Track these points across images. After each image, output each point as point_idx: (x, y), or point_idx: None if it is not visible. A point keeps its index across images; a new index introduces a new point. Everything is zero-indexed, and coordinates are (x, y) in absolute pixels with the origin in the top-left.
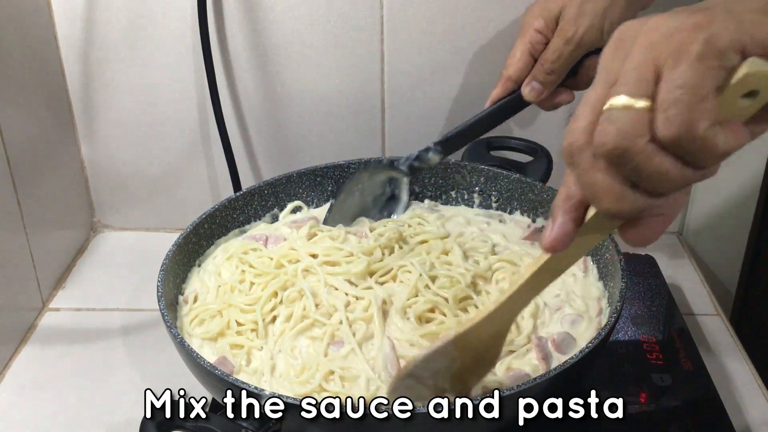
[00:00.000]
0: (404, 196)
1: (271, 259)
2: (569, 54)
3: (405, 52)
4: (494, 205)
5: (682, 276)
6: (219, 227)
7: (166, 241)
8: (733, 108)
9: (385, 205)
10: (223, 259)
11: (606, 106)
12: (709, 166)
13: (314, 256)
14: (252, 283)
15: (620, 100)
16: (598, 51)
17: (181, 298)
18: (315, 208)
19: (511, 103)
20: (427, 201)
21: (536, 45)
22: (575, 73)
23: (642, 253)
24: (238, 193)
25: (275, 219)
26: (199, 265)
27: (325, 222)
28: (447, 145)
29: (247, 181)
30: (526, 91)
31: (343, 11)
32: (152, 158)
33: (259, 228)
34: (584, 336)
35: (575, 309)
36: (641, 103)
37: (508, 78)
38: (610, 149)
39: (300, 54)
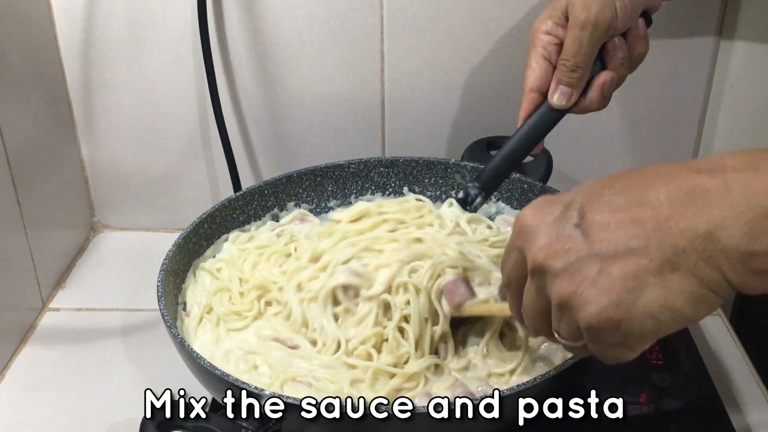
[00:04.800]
0: None
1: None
2: (588, 40)
3: (405, 52)
4: (494, 205)
5: None
6: (219, 227)
7: (166, 241)
8: None
9: None
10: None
11: (556, 335)
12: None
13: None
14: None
15: (562, 339)
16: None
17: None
18: (315, 208)
19: (544, 118)
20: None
21: (549, 47)
22: (602, 66)
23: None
24: (238, 193)
25: (276, 219)
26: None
27: None
28: (486, 181)
29: (247, 181)
30: (555, 98)
31: (343, 11)
32: (152, 158)
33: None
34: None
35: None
36: (577, 343)
37: (531, 89)
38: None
39: (300, 54)
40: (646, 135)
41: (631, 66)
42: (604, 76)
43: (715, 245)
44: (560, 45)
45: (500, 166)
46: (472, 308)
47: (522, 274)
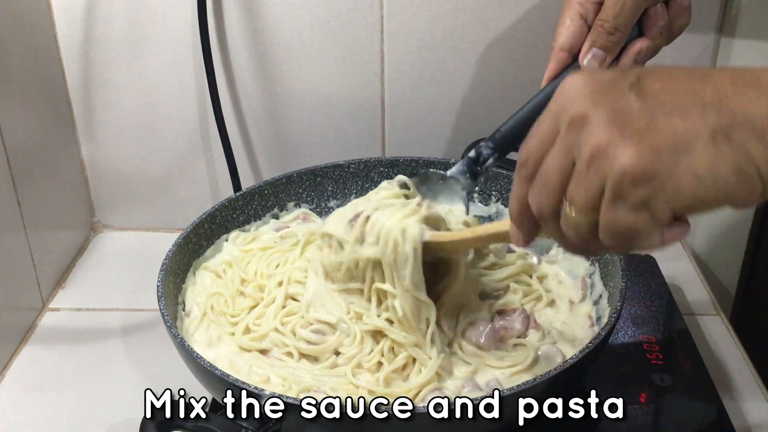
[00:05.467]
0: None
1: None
2: (632, 3)
3: (405, 52)
4: (494, 204)
5: (682, 276)
6: (219, 227)
7: (166, 241)
8: None
9: None
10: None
11: (566, 208)
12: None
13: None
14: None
15: (572, 212)
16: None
17: (183, 313)
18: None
19: None
20: None
21: (586, 5)
22: (639, 33)
23: (642, 252)
24: (238, 193)
25: (276, 219)
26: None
27: None
28: (500, 142)
29: (247, 181)
30: (586, 61)
31: (343, 11)
32: (152, 158)
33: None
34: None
35: (561, 337)
36: (588, 217)
37: (561, 48)
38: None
39: (300, 54)
40: None
41: (670, 37)
42: (640, 44)
43: None
44: (599, 4)
45: (518, 126)
46: (442, 235)
47: (546, 147)
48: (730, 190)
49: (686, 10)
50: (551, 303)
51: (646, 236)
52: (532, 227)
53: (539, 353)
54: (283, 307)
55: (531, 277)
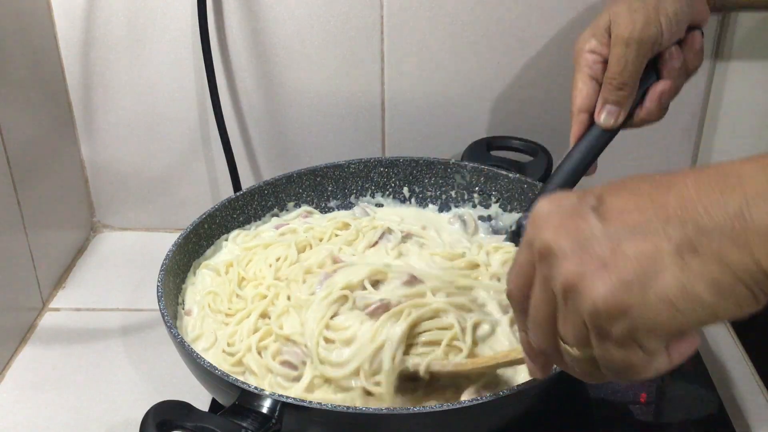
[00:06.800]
0: None
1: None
2: (634, 58)
3: (405, 52)
4: (494, 205)
5: None
6: (219, 227)
7: (166, 241)
8: None
9: None
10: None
11: (562, 344)
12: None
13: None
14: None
15: (569, 348)
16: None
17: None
18: (316, 208)
19: (596, 139)
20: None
21: (594, 66)
22: (657, 76)
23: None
24: (238, 193)
25: (277, 218)
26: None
27: None
28: None
29: (247, 181)
30: (602, 118)
31: (343, 11)
32: (152, 158)
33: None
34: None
35: None
36: (585, 352)
37: (579, 110)
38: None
39: (300, 54)
40: (646, 138)
41: (687, 75)
42: (661, 86)
43: (746, 224)
44: (605, 63)
45: (557, 189)
46: (466, 363)
47: (527, 276)
48: (709, 302)
49: (699, 53)
50: None
51: (648, 367)
52: (545, 361)
53: None
54: (259, 324)
55: None
